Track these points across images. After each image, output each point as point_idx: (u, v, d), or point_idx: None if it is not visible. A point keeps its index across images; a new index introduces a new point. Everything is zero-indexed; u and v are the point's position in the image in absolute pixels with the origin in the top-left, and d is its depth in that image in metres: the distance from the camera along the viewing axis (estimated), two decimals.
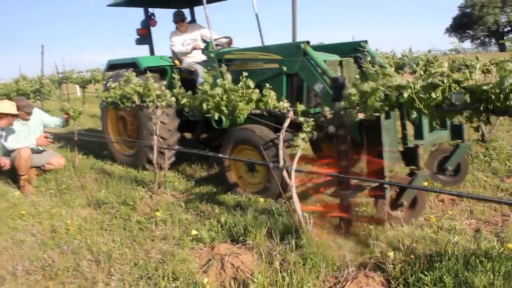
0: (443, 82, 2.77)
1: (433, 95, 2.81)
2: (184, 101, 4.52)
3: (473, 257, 2.88)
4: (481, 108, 2.69)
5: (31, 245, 4.19)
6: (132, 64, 6.76)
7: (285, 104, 3.77)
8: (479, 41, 61.59)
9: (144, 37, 7.61)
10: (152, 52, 7.68)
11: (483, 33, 60.27)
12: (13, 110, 5.68)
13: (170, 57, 7.16)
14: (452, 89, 2.78)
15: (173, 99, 4.69)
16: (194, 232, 3.86)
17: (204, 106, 4.21)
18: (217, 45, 6.19)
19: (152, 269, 3.42)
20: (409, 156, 4.09)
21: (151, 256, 3.66)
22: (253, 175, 5.13)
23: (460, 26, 57.76)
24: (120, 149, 7.16)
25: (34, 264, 3.79)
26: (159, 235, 4.07)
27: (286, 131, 4.60)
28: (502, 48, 54.97)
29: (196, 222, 4.23)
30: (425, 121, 4.15)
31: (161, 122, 5.87)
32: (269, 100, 3.83)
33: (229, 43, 6.50)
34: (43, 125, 6.61)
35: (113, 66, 7.31)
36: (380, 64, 4.98)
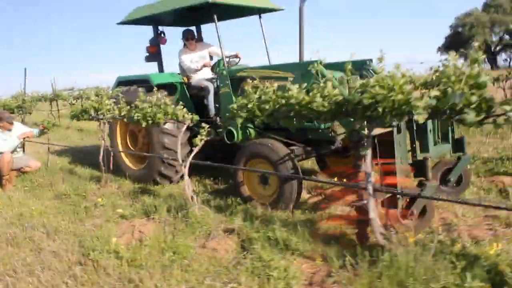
0: (271, 98, 4.01)
1: (266, 106, 4.04)
2: (123, 112, 5.77)
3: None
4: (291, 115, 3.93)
5: (1, 225, 5.42)
6: (141, 81, 6.99)
7: (186, 115, 4.99)
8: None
9: (154, 54, 7.73)
10: (161, 69, 7.78)
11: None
12: None
13: (178, 74, 7.33)
14: (279, 103, 4.01)
15: (116, 111, 5.92)
16: (119, 210, 5.11)
17: (135, 116, 5.43)
18: (227, 62, 6.51)
19: (84, 236, 4.66)
20: (418, 168, 4.39)
21: (86, 228, 4.91)
22: (265, 187, 5.32)
23: (453, 45, 59.07)
24: (129, 163, 7.33)
25: (1, 237, 5.03)
26: (97, 214, 5.32)
27: (296, 145, 5.35)
28: (493, 66, 56.30)
29: (126, 205, 5.48)
30: (430, 136, 4.48)
31: (172, 135, 6.29)
32: (178, 112, 5.04)
33: (238, 61, 6.83)
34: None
35: (122, 83, 7.42)
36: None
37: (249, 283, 3.39)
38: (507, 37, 58.52)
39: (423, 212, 4.17)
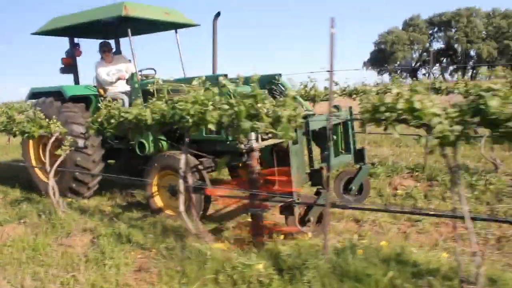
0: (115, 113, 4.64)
1: (112, 120, 4.66)
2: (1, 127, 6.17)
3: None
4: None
5: None
6: (55, 93, 6.83)
7: (56, 128, 5.49)
8: (395, 74, 66.83)
9: (69, 66, 7.59)
10: (77, 81, 7.65)
11: (399, 67, 65.68)
12: None
13: (95, 87, 7.21)
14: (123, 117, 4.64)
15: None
16: None
17: (14, 128, 5.85)
18: (141, 75, 6.55)
19: None
20: (315, 177, 4.55)
21: None
22: (176, 198, 5.18)
23: (377, 60, 62.70)
24: (42, 176, 7.09)
25: None
26: None
27: (206, 157, 5.27)
28: (413, 80, 60.08)
29: (4, 213, 5.88)
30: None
31: (86, 153, 6.19)
32: (51, 126, 5.54)
33: (153, 74, 6.86)
34: None
35: (36, 95, 7.30)
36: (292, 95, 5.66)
37: (88, 270, 3.98)
38: (425, 54, 62.88)
39: (319, 218, 4.46)
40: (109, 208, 5.81)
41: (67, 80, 7.90)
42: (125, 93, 6.87)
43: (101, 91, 7.07)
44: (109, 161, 7.26)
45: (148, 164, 5.47)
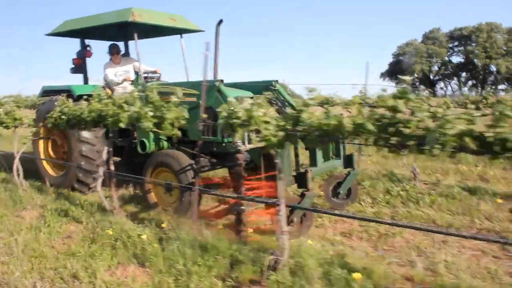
0: (64, 111, 5.63)
1: (63, 117, 5.64)
2: None
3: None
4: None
5: None
6: (65, 91, 7.10)
7: (27, 120, 6.54)
8: (414, 86, 66.82)
9: (79, 67, 7.93)
10: (86, 81, 8.00)
11: (417, 79, 65.72)
12: None
13: (102, 87, 7.48)
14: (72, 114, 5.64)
15: None
16: None
17: None
18: (145, 77, 6.90)
19: None
20: (300, 179, 4.79)
21: None
22: (170, 194, 5.66)
23: (395, 72, 62.84)
24: (50, 170, 7.53)
25: None
26: None
27: (202, 157, 5.23)
28: (432, 94, 60.11)
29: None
30: (319, 152, 4.94)
31: (90, 144, 6.58)
32: (23, 118, 6.60)
33: (158, 76, 7.17)
34: None
35: (47, 92, 7.70)
36: (288, 101, 5.82)
37: (27, 235, 4.95)
38: (443, 67, 62.82)
39: (303, 219, 4.70)
40: (65, 191, 6.81)
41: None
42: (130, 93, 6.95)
43: (108, 91, 7.38)
44: (114, 158, 7.57)
45: (146, 161, 5.79)
